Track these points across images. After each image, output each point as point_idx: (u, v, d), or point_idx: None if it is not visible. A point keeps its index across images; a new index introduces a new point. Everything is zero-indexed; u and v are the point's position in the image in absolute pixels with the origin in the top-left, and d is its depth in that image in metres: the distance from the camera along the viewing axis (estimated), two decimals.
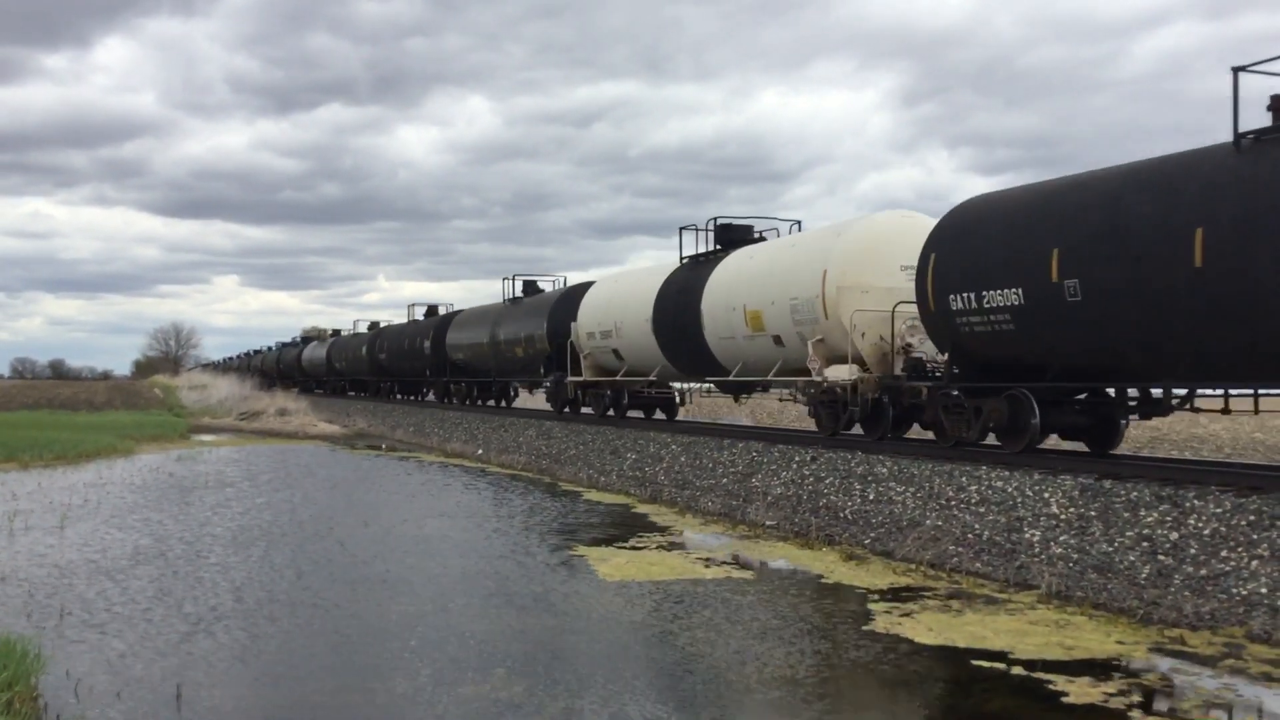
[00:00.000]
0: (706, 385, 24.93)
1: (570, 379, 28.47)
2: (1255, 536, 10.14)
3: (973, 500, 13.39)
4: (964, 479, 13.92)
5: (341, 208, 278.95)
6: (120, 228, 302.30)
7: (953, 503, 13.61)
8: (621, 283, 26.97)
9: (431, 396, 46.45)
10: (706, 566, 13.05)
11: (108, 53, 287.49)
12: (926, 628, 9.90)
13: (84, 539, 15.17)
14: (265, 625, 10.13)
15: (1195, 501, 11.06)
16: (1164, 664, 8.71)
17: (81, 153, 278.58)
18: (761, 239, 22.45)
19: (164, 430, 40.36)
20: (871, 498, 14.93)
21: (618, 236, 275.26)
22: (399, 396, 51.43)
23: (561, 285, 34.26)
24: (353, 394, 60.80)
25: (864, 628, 10.00)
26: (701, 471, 19.25)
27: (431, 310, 48.44)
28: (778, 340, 18.87)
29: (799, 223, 22.34)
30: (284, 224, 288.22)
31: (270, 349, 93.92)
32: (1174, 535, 10.78)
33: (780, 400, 22.34)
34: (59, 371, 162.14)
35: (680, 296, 22.55)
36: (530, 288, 35.78)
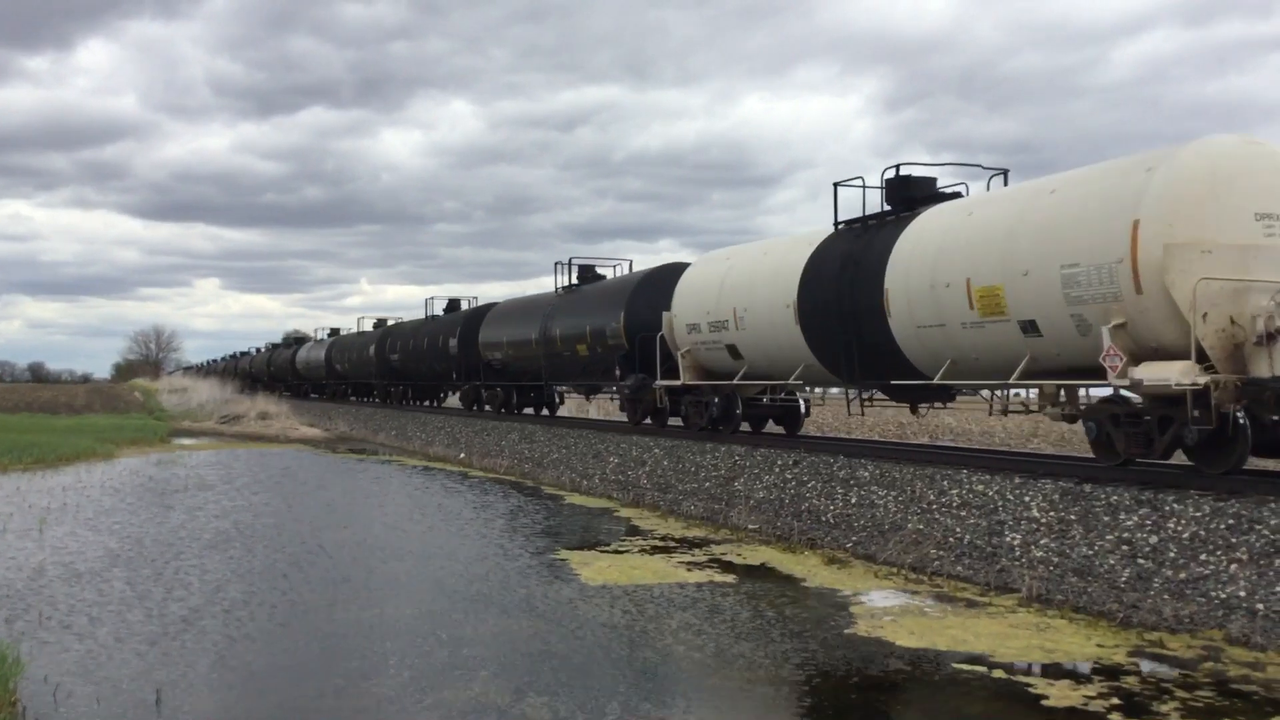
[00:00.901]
0: (824, 389, 19.49)
1: (660, 383, 22.73)
2: (1234, 540, 10.21)
3: (954, 504, 13.43)
4: (945, 482, 13.96)
5: (323, 211, 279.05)
6: (100, 230, 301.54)
7: (934, 506, 13.66)
8: (742, 259, 20.86)
9: (457, 402, 40.69)
10: (689, 571, 13.05)
11: (89, 55, 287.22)
12: (908, 631, 9.93)
13: (63, 542, 15.07)
14: (245, 628, 10.08)
15: (1174, 505, 11.12)
16: (1144, 667, 8.76)
17: (62, 155, 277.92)
18: (953, 195, 16.73)
19: (144, 434, 40.15)
20: (854, 501, 14.97)
21: (600, 240, 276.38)
22: (414, 403, 45.89)
23: (624, 271, 28.54)
24: (355, 399, 54.89)
25: (845, 631, 10.02)
26: (684, 475, 19.26)
27: (453, 305, 42.12)
28: (1029, 327, 13.31)
29: (1005, 172, 16.46)
30: (265, 227, 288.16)
31: (258, 351, 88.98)
32: (1153, 539, 10.85)
33: (1012, 412, 15.91)
34: (38, 374, 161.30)
35: (846, 273, 16.79)
36: (588, 273, 29.67)
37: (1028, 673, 8.53)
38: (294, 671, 8.76)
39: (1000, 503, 12.89)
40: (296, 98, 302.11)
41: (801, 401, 21.71)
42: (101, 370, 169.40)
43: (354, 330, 58.85)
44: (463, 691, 8.02)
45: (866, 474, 15.45)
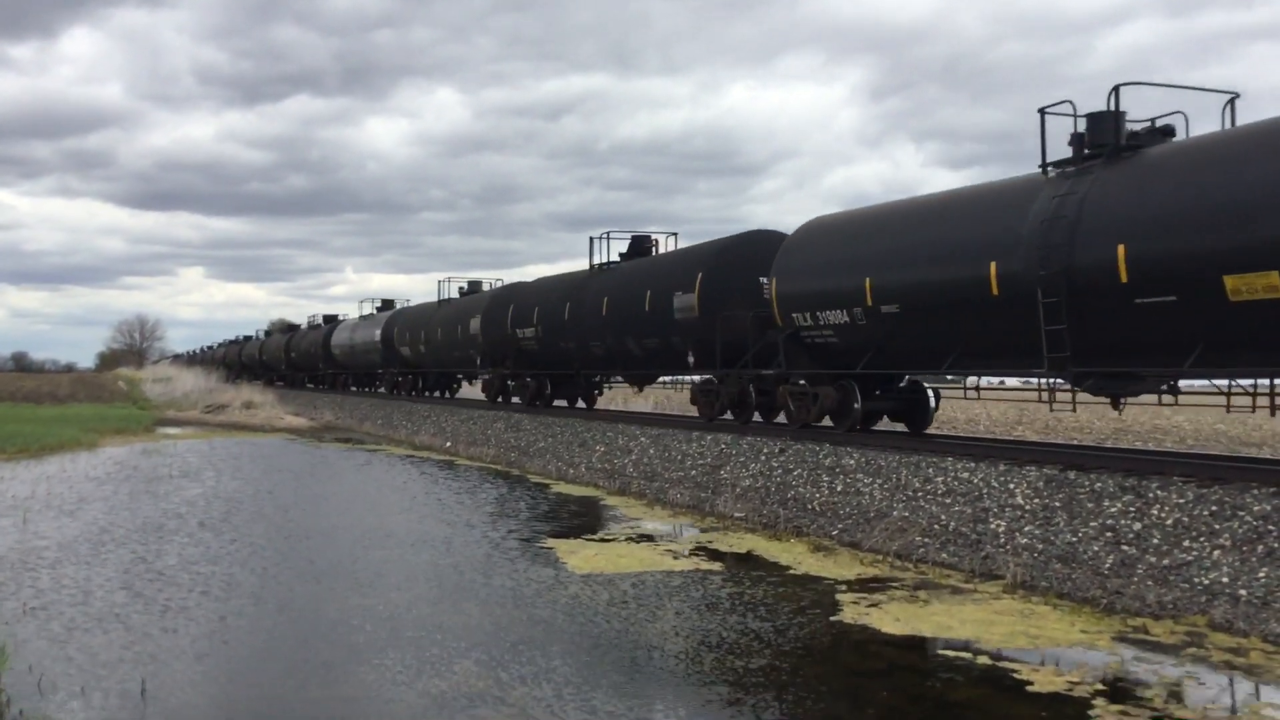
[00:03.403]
0: None
1: None
2: (1217, 526, 10.27)
3: (939, 491, 13.47)
4: (930, 470, 14.01)
5: (309, 200, 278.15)
6: (84, 219, 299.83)
7: (919, 494, 13.70)
8: None
9: (689, 405, 23.79)
10: (675, 559, 13.07)
11: (74, 43, 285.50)
12: (893, 618, 9.96)
13: (46, 533, 15.00)
14: (230, 619, 10.06)
15: (1158, 492, 11.18)
16: (1127, 653, 8.81)
17: (46, 144, 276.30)
18: None
19: (128, 423, 39.98)
20: (839, 489, 15.00)
21: (586, 229, 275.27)
22: (562, 404, 30.08)
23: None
24: (432, 396, 41.80)
25: (831, 618, 10.05)
26: (670, 463, 19.27)
27: (641, 246, 25.61)
28: None
29: None
30: (250, 216, 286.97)
31: (266, 335, 77.29)
32: (1137, 525, 10.90)
33: None
34: (21, 364, 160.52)
35: None
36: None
37: (1012, 659, 8.57)
38: (279, 660, 8.75)
39: (985, 490, 12.93)
40: (281, 86, 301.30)
41: None
42: (85, 360, 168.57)
43: (439, 299, 40.34)
44: (448, 679, 8.02)
45: (852, 462, 15.48)
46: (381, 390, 48.01)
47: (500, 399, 32.97)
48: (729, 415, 21.00)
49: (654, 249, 25.80)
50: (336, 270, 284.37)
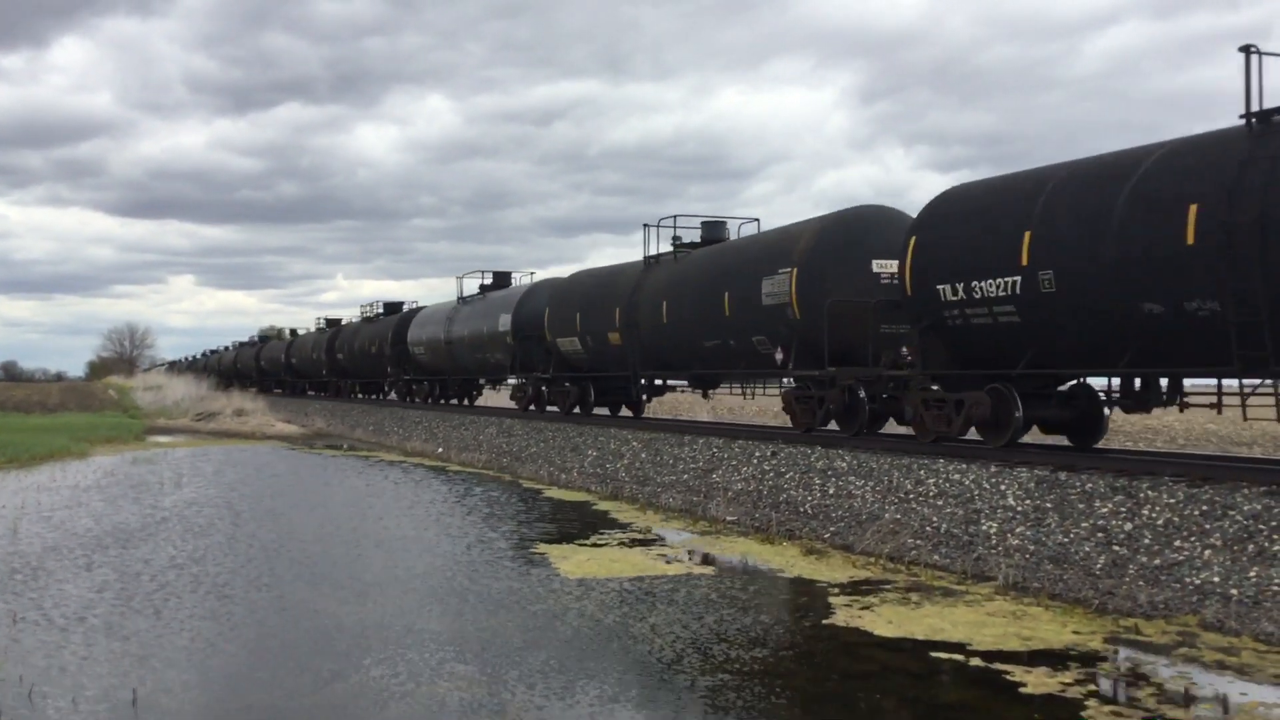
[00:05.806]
0: None
1: None
2: (1208, 526, 10.29)
3: (931, 493, 13.48)
4: (922, 472, 14.02)
5: (300, 207, 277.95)
6: (74, 228, 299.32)
7: (911, 496, 13.71)
8: None
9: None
10: (668, 563, 13.06)
11: (64, 53, 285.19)
12: (886, 620, 9.97)
13: (36, 542, 14.94)
14: (221, 627, 10.02)
15: (1149, 492, 11.20)
16: (1120, 653, 8.82)
17: (36, 153, 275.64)
18: None
19: (118, 432, 39.85)
20: (831, 492, 15.00)
21: (577, 234, 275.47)
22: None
23: None
24: (611, 414, 26.91)
25: (824, 621, 10.05)
26: (662, 468, 19.26)
27: None
28: None
29: None
30: (241, 223, 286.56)
31: (291, 335, 67.11)
32: (1128, 526, 10.92)
33: None
34: (11, 373, 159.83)
35: None
36: None
37: (1005, 660, 8.57)
38: (271, 671, 8.71)
39: (976, 491, 12.94)
40: (272, 94, 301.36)
41: None
42: (75, 369, 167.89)
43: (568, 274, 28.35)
44: (440, 686, 8.00)
45: (844, 464, 15.49)
46: (509, 402, 32.66)
47: (828, 423, 18.29)
48: None
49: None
50: (328, 277, 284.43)
